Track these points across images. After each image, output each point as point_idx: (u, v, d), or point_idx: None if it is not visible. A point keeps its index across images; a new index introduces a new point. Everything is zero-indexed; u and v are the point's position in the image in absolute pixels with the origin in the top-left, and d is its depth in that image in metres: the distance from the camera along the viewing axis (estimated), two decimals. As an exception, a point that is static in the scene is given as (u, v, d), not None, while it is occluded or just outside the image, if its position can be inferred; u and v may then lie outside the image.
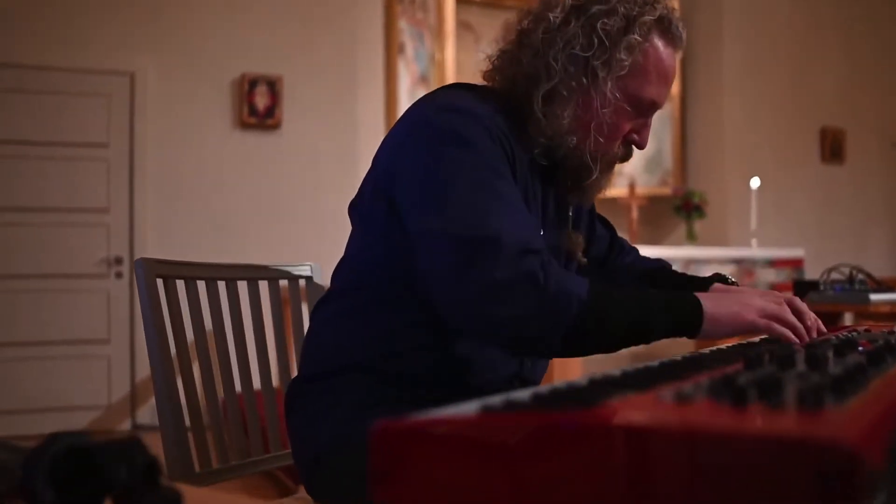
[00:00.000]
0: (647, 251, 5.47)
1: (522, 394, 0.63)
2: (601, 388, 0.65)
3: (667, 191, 6.73)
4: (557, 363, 4.09)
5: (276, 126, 5.08)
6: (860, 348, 0.97)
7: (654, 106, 1.24)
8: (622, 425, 0.49)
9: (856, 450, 0.43)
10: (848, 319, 4.69)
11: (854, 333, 1.27)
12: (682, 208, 6.41)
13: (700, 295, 1.13)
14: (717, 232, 6.62)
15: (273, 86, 5.07)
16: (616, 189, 6.58)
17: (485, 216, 1.07)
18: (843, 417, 0.51)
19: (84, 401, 4.57)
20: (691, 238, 6.40)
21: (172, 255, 4.94)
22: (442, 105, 1.18)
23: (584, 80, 1.18)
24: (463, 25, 6.24)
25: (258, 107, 5.03)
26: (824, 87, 7.03)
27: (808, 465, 0.44)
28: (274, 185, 5.04)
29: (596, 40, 1.17)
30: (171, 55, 4.88)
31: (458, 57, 6.03)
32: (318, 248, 4.88)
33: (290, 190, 5.03)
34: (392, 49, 5.76)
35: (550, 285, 1.04)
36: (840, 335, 1.20)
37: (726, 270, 5.76)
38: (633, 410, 0.53)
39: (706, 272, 5.18)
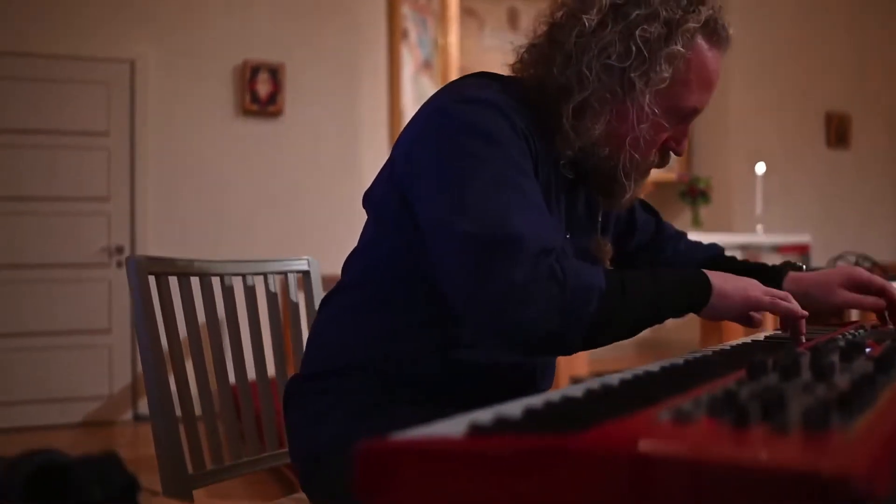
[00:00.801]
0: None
1: (514, 408, 0.61)
2: (597, 402, 0.62)
3: (672, 176, 6.69)
4: (564, 357, 4.08)
5: (278, 113, 5.05)
6: (867, 350, 0.95)
7: (695, 112, 1.17)
8: (617, 452, 0.46)
9: (863, 481, 0.41)
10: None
11: (861, 332, 1.25)
12: (687, 194, 6.37)
13: (708, 273, 1.11)
14: (723, 218, 6.59)
15: (275, 73, 5.03)
16: (621, 175, 6.53)
17: (505, 215, 1.02)
18: (851, 442, 0.49)
19: (85, 391, 4.56)
20: (697, 224, 6.36)
21: (173, 243, 4.92)
22: (464, 95, 1.11)
23: (619, 91, 1.11)
24: (466, 11, 6.18)
25: (260, 94, 5.00)
26: (830, 72, 6.98)
27: (814, 499, 0.41)
28: (276, 172, 5.01)
29: (634, 49, 1.08)
30: (172, 42, 4.84)
31: (462, 43, 5.97)
32: (320, 237, 4.88)
33: (292, 177, 5.00)
34: (395, 35, 5.71)
35: (570, 281, 1.01)
36: (847, 334, 1.17)
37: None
38: (628, 434, 0.50)
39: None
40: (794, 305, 1.13)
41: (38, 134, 4.57)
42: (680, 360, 0.94)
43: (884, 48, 7.24)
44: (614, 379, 0.76)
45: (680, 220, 6.80)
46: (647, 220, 1.46)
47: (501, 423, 0.56)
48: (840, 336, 1.14)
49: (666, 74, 1.10)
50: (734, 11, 6.62)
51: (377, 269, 1.19)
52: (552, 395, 0.65)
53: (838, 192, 7.01)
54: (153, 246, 4.67)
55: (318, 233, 4.74)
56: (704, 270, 1.11)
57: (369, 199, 1.22)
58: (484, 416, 0.57)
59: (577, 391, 0.68)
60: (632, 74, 1.09)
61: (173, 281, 1.32)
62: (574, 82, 1.11)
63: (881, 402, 0.62)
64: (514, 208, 1.03)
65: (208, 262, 1.40)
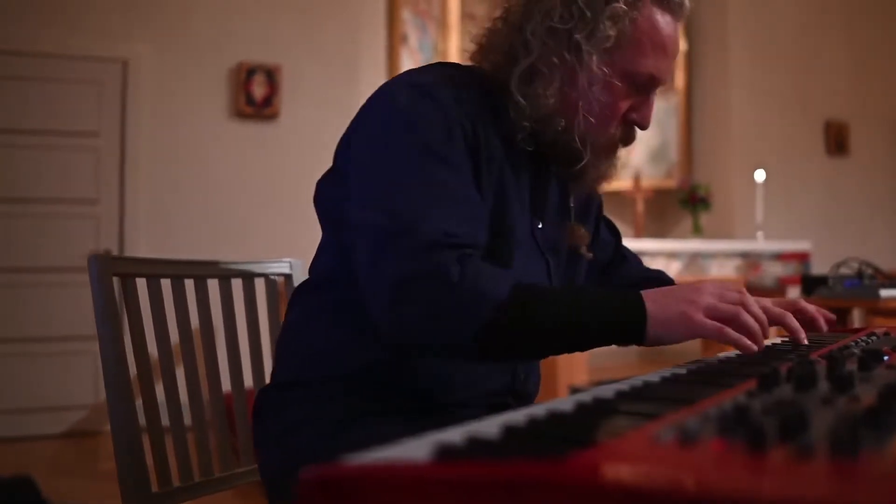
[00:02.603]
0: (652, 244, 5.38)
1: (491, 426, 0.53)
2: (588, 419, 0.54)
3: (672, 183, 6.63)
4: (563, 365, 4.00)
5: (274, 116, 4.97)
6: (885, 358, 0.87)
7: (654, 81, 1.10)
8: (609, 482, 0.38)
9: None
10: (857, 315, 4.59)
11: (874, 338, 1.17)
12: (687, 201, 6.31)
13: (646, 293, 0.96)
14: (723, 225, 6.53)
15: (271, 75, 4.95)
16: (621, 182, 6.47)
17: (408, 205, 0.96)
18: (888, 468, 0.41)
19: (69, 400, 4.42)
20: (697, 231, 6.30)
21: (165, 248, 4.83)
22: (406, 81, 1.07)
23: (567, 56, 1.06)
24: (467, 16, 6.13)
25: (256, 96, 4.92)
26: (828, 80, 6.94)
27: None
28: (271, 176, 4.92)
29: (576, 11, 1.05)
30: (166, 42, 4.76)
31: (463, 48, 5.91)
32: (315, 241, 4.77)
33: (287, 181, 4.92)
34: (395, 39, 5.65)
35: (465, 283, 0.92)
36: (860, 341, 1.10)
37: (732, 264, 5.69)
38: (623, 459, 0.42)
39: (712, 266, 5.08)
40: (749, 326, 0.94)
41: (26, 134, 4.46)
42: (682, 370, 0.86)
43: (881, 57, 7.20)
44: (609, 391, 0.68)
45: (680, 227, 6.74)
46: (609, 241, 1.41)
47: (475, 445, 0.48)
48: (853, 343, 1.07)
49: (611, 33, 1.05)
50: (734, 20, 6.58)
51: (336, 271, 1.12)
52: (537, 409, 0.57)
53: (838, 199, 6.96)
54: (144, 251, 4.57)
55: (314, 237, 4.63)
56: (644, 292, 0.96)
57: (322, 193, 1.17)
58: (454, 435, 0.49)
59: (567, 405, 0.60)
60: (576, 35, 1.06)
61: (141, 283, 1.23)
62: (520, 49, 1.08)
63: (914, 418, 0.54)
64: (420, 199, 0.97)
65: (181, 262, 1.31)
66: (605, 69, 1.07)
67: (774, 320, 1.03)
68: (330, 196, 1.14)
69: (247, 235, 4.78)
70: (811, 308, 1.17)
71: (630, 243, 5.19)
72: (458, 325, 0.93)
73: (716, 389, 0.67)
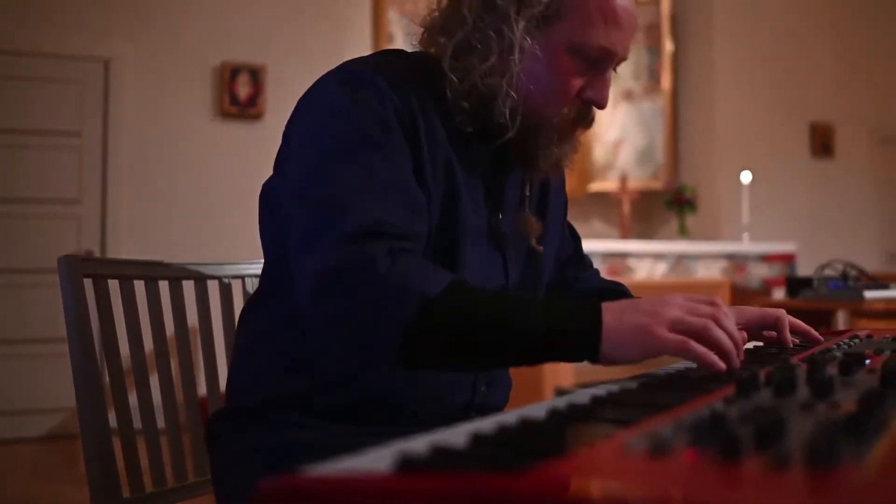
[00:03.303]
0: (638, 246, 5.37)
1: (457, 435, 0.51)
2: (560, 426, 0.53)
3: (658, 185, 6.63)
4: (549, 367, 3.98)
5: (259, 116, 4.94)
6: (867, 361, 0.86)
7: (608, 54, 1.02)
8: (577, 494, 0.36)
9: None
10: (841, 316, 4.60)
11: (856, 340, 1.16)
12: (673, 202, 6.32)
13: (606, 304, 0.85)
14: (709, 226, 6.53)
15: (256, 74, 4.92)
16: (607, 183, 6.48)
17: (339, 194, 0.92)
18: (867, 479, 0.39)
19: (48, 403, 4.36)
20: (683, 232, 6.31)
21: (147, 249, 4.79)
22: (340, 70, 1.04)
23: (504, 29, 1.00)
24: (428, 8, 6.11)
25: (240, 96, 4.89)
26: (814, 83, 6.97)
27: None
28: (256, 176, 4.83)
29: None
30: (149, 41, 4.72)
31: (407, 32, 5.90)
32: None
33: (272, 182, 4.89)
34: (381, 39, 5.62)
35: (392, 276, 0.85)
36: (842, 344, 1.08)
37: (718, 265, 5.69)
38: (592, 470, 0.40)
39: (698, 267, 5.07)
40: (717, 340, 0.83)
41: (7, 133, 4.41)
42: (661, 373, 0.85)
43: (866, 60, 7.24)
44: (585, 396, 0.66)
45: (666, 228, 6.74)
46: (569, 241, 1.34)
47: (439, 456, 0.46)
48: (835, 346, 1.06)
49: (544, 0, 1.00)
50: (720, 22, 6.59)
51: (273, 279, 1.08)
52: (507, 417, 0.55)
53: (823, 201, 6.98)
54: (126, 252, 4.53)
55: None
56: (605, 304, 0.85)
57: (264, 194, 1.13)
58: (418, 445, 0.47)
59: (539, 412, 0.58)
60: (510, 8, 1.00)
61: (114, 285, 1.20)
62: (457, 25, 1.03)
63: (895, 424, 0.52)
64: (352, 188, 0.92)
65: (155, 264, 1.29)
66: (543, 40, 1.01)
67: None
68: (268, 194, 1.12)
69: (231, 236, 4.74)
70: (790, 323, 1.11)
71: (616, 244, 5.19)
72: (380, 321, 0.85)
73: (694, 395, 0.65)
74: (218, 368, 1.34)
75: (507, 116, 1.02)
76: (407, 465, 0.44)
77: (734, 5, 6.66)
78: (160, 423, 1.22)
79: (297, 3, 5.08)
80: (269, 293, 1.10)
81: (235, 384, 1.11)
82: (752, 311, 1.13)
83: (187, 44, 4.79)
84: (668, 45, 6.65)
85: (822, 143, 7.02)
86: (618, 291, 1.29)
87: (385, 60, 1.06)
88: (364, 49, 5.45)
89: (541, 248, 1.17)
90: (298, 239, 0.93)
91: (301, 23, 5.07)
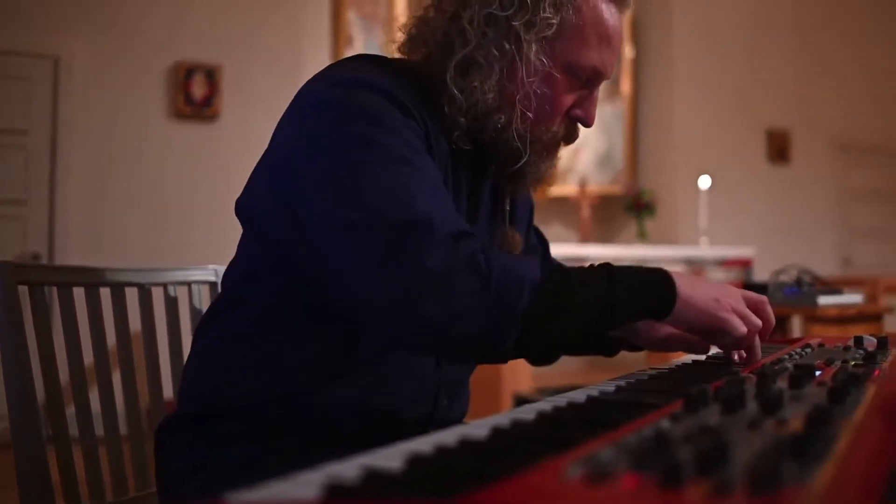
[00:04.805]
0: (598, 250, 5.39)
1: (394, 456, 0.49)
2: (500, 447, 0.51)
3: (618, 189, 6.69)
4: (507, 374, 3.97)
5: (214, 116, 4.86)
6: (817, 373, 0.85)
7: (598, 74, 1.05)
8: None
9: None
10: (796, 322, 4.66)
11: (808, 350, 1.16)
12: (632, 207, 6.37)
13: (674, 273, 0.96)
14: (668, 231, 6.60)
15: (212, 74, 4.85)
16: (567, 187, 6.51)
17: (409, 197, 0.88)
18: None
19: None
20: (642, 237, 6.37)
21: (98, 252, 4.65)
22: (337, 79, 0.98)
23: (507, 46, 1.00)
24: (413, 14, 6.09)
25: (195, 96, 4.80)
26: (771, 89, 7.09)
27: None
28: (211, 178, 4.80)
29: None
30: (101, 39, 4.62)
31: (389, 38, 5.87)
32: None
33: (228, 184, 4.79)
34: (340, 40, 5.58)
35: (495, 270, 0.86)
36: (794, 354, 1.08)
37: (676, 270, 5.80)
38: (525, 500, 0.38)
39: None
40: (754, 347, 1.00)
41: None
42: (611, 387, 0.83)
43: (823, 68, 7.39)
44: (531, 412, 0.64)
45: (625, 233, 6.80)
46: (536, 249, 1.34)
47: (371, 481, 0.43)
48: (787, 356, 1.05)
49: (553, 21, 1.00)
50: (679, 28, 6.66)
51: (251, 288, 1.04)
52: (446, 436, 0.53)
53: (780, 206, 7.10)
54: (74, 254, 4.42)
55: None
56: (671, 272, 0.96)
57: (242, 207, 1.08)
58: (349, 469, 0.45)
59: (481, 430, 0.56)
60: (516, 23, 0.99)
61: (51, 292, 1.16)
62: (457, 38, 1.01)
63: (842, 444, 0.51)
64: (415, 188, 0.89)
65: (95, 270, 1.24)
66: (545, 60, 1.01)
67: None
68: (261, 208, 1.05)
69: (185, 241, 4.66)
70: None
71: (575, 249, 5.20)
72: (501, 314, 0.86)
73: (641, 411, 0.63)
74: (161, 379, 1.30)
75: (514, 135, 1.03)
76: (335, 491, 0.42)
77: (693, 12, 6.74)
78: (100, 433, 1.18)
79: (254, 3, 5.02)
80: (233, 299, 1.06)
81: (191, 390, 1.07)
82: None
83: (141, 42, 4.70)
84: (627, 51, 6.70)
85: (778, 149, 7.13)
86: None
87: (376, 66, 1.03)
88: (323, 50, 5.41)
89: (556, 263, 1.18)
90: (377, 248, 0.87)
91: (259, 23, 5.01)
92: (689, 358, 1.20)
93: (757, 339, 1.00)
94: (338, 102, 0.95)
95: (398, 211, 0.88)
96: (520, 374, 3.92)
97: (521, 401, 3.40)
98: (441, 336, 0.88)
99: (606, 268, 0.94)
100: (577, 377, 5.31)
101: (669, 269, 0.98)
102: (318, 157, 0.94)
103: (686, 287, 0.94)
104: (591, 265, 1.00)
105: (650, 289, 0.94)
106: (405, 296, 0.85)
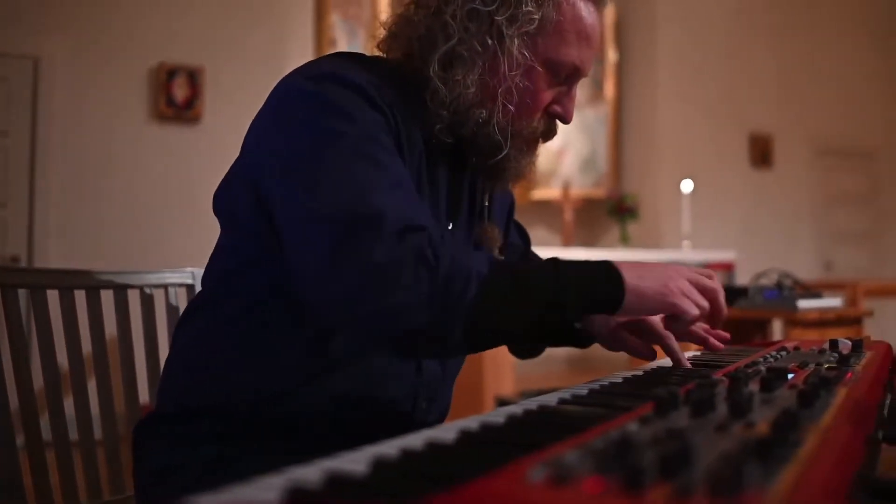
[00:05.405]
0: (581, 254, 5.41)
1: (358, 460, 0.48)
2: (467, 451, 0.50)
3: (601, 193, 6.71)
4: (490, 376, 3.97)
5: (196, 119, 4.83)
6: (790, 376, 0.86)
7: (577, 72, 1.07)
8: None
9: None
10: (777, 326, 4.69)
11: (783, 352, 1.17)
12: (615, 211, 6.39)
13: (620, 263, 0.96)
14: (651, 234, 6.62)
15: (194, 76, 4.82)
16: (550, 190, 6.52)
17: (363, 190, 0.90)
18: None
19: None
20: (625, 240, 6.38)
21: (78, 254, 4.60)
22: (312, 73, 1.00)
23: (489, 40, 1.01)
24: (393, 12, 6.08)
25: (177, 98, 4.78)
26: (754, 94, 7.14)
27: None
28: (193, 180, 4.78)
29: None
30: (81, 39, 4.58)
31: (370, 34, 5.86)
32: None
33: (210, 186, 4.76)
34: (323, 43, 5.56)
35: (442, 264, 0.87)
36: (769, 356, 1.09)
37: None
38: (488, 502, 0.38)
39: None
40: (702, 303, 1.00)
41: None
42: (584, 390, 0.83)
43: (805, 73, 7.44)
44: (500, 416, 0.64)
45: (608, 236, 6.82)
46: (517, 245, 1.36)
47: (334, 485, 0.43)
48: (762, 359, 1.06)
49: (535, 15, 1.01)
50: (663, 33, 6.70)
51: (230, 285, 1.04)
52: (413, 440, 0.53)
53: (762, 210, 7.14)
54: (55, 256, 4.38)
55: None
56: (618, 263, 0.96)
57: (220, 203, 1.08)
58: (312, 473, 0.45)
59: (449, 434, 0.56)
60: (498, 18, 1.01)
61: (24, 295, 1.15)
62: (439, 33, 1.02)
63: (806, 448, 0.51)
64: (372, 183, 0.91)
65: (69, 272, 1.23)
66: (525, 53, 1.02)
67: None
68: (237, 202, 1.05)
69: (167, 243, 4.63)
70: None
71: (558, 252, 5.21)
72: (448, 307, 0.87)
73: (611, 414, 0.64)
74: (137, 382, 1.29)
75: (495, 128, 1.04)
76: (296, 495, 0.42)
77: (677, 16, 6.78)
78: (74, 437, 1.17)
79: (237, 4, 5.00)
80: (212, 297, 1.06)
81: (169, 387, 1.07)
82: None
83: (122, 43, 4.67)
84: (611, 55, 6.73)
85: (761, 153, 7.18)
86: None
87: (353, 61, 1.04)
88: (306, 52, 5.39)
89: (502, 258, 1.18)
90: (330, 240, 0.88)
91: (241, 24, 4.99)
92: (668, 360, 1.21)
93: (721, 299, 1.02)
94: (308, 95, 0.96)
95: (351, 205, 0.89)
96: (502, 377, 3.92)
97: (502, 403, 3.40)
98: (388, 330, 0.89)
99: (554, 262, 0.96)
100: (561, 380, 5.32)
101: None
102: (282, 147, 0.96)
103: (633, 277, 0.94)
104: (541, 259, 1.01)
105: (597, 282, 0.94)
106: (351, 290, 0.87)
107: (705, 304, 0.99)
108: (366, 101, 0.96)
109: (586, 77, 1.10)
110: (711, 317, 1.03)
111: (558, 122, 1.11)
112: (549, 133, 1.11)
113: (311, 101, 0.96)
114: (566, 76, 1.07)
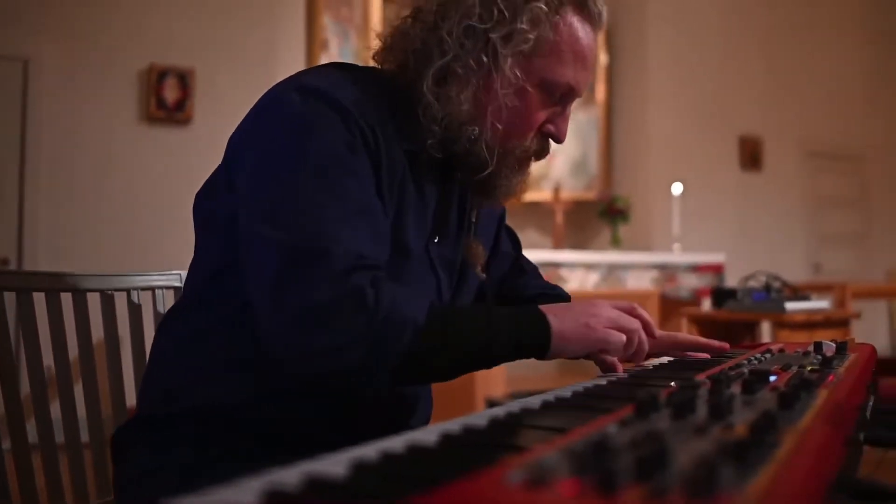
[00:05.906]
0: (571, 256, 5.39)
1: (337, 463, 0.49)
2: (446, 456, 0.51)
3: (592, 195, 6.72)
4: (481, 378, 3.98)
5: (187, 121, 4.83)
6: (772, 378, 0.87)
7: (572, 92, 1.07)
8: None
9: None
10: (765, 327, 4.70)
11: (768, 355, 1.18)
12: (606, 213, 6.40)
13: (546, 308, 0.99)
14: (641, 237, 6.64)
15: (184, 78, 4.82)
16: (541, 193, 6.53)
17: (318, 219, 0.90)
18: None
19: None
20: (615, 243, 6.40)
21: (69, 256, 4.58)
22: (299, 84, 1.00)
23: (484, 58, 1.02)
24: (391, 23, 6.08)
25: (168, 100, 4.77)
26: (743, 97, 7.17)
27: None
28: (184, 182, 4.73)
29: (496, 11, 1.01)
30: (72, 41, 4.57)
31: (365, 45, 5.86)
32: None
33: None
34: (314, 45, 5.56)
35: (382, 308, 0.88)
36: (753, 359, 1.09)
37: (649, 276, 5.79)
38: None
39: (629, 277, 5.16)
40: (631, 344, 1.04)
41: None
42: (568, 392, 0.84)
43: (794, 76, 7.48)
44: (483, 419, 0.65)
45: (599, 239, 6.83)
46: (508, 253, 1.38)
47: (312, 488, 0.43)
48: (746, 361, 1.07)
49: (530, 36, 1.02)
50: (653, 36, 6.72)
51: (210, 290, 1.04)
52: (394, 443, 0.53)
53: (752, 212, 7.17)
54: (44, 259, 4.36)
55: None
56: (543, 308, 0.99)
57: (202, 204, 1.09)
58: (290, 476, 0.45)
59: (431, 437, 0.56)
60: (494, 36, 1.01)
61: (10, 297, 1.14)
62: (435, 48, 1.03)
63: (783, 450, 0.52)
64: (329, 215, 0.91)
65: (56, 275, 1.23)
66: (520, 74, 1.03)
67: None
68: (215, 207, 1.06)
69: (157, 245, 4.62)
70: (688, 339, 1.22)
71: (549, 254, 5.19)
72: (379, 352, 0.88)
73: (593, 416, 0.64)
74: (124, 385, 1.28)
75: (484, 146, 1.05)
76: (275, 498, 0.42)
77: (667, 20, 6.80)
78: (60, 440, 1.17)
79: (228, 6, 4.99)
80: (190, 301, 1.07)
81: (150, 392, 1.07)
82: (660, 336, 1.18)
83: (112, 45, 4.66)
84: (602, 58, 6.75)
85: (751, 156, 7.21)
86: (556, 296, 1.34)
87: (344, 76, 1.04)
88: (298, 55, 5.39)
89: (484, 275, 1.20)
90: (276, 270, 0.89)
91: (232, 26, 4.99)
92: (658, 362, 1.21)
93: (642, 334, 1.05)
94: (289, 109, 0.97)
95: (302, 234, 0.90)
96: (493, 379, 3.93)
97: (493, 405, 3.41)
98: (318, 368, 0.90)
99: (487, 310, 0.99)
100: (553, 381, 5.32)
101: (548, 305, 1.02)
102: (253, 164, 0.97)
103: (557, 323, 0.98)
104: (477, 307, 1.06)
105: (524, 331, 0.97)
106: (286, 324, 0.88)
107: (632, 324, 1.03)
108: (345, 122, 0.96)
109: (581, 97, 1.11)
110: (634, 354, 1.06)
111: (551, 140, 1.12)
112: (542, 152, 1.12)
113: (289, 119, 0.96)
114: (561, 96, 1.08)
